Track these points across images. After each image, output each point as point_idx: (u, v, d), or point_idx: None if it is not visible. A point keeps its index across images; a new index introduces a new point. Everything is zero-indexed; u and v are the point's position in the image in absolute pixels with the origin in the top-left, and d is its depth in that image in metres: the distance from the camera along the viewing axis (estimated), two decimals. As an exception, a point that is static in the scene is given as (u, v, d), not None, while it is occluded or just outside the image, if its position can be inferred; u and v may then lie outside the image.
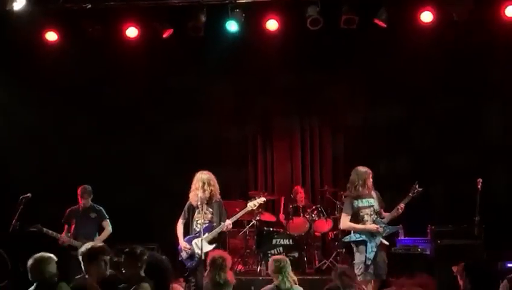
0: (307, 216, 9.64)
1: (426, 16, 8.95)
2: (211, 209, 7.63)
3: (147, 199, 10.03)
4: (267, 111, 10.92)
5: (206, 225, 7.55)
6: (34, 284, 5.20)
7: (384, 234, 7.31)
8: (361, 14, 8.89)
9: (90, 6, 8.84)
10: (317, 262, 9.59)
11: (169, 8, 9.09)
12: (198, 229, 7.55)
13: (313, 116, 10.95)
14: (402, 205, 7.31)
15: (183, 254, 7.61)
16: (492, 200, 8.79)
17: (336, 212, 9.71)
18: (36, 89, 10.07)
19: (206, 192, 7.58)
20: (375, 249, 7.22)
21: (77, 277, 5.38)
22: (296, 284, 6.23)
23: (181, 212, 7.80)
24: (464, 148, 9.73)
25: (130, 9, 9.16)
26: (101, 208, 8.47)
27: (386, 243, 7.37)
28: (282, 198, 10.36)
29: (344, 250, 9.18)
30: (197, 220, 7.62)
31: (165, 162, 10.25)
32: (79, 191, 8.37)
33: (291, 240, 9.31)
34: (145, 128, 10.53)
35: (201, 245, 7.36)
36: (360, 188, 7.30)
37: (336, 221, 9.46)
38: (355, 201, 7.34)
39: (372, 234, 7.27)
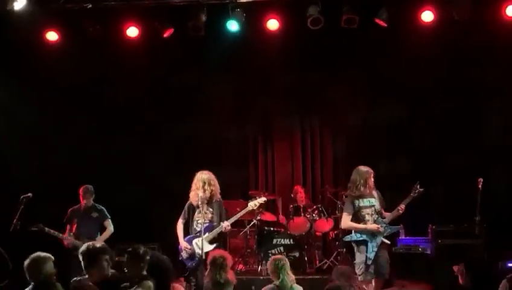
0: (308, 216, 9.64)
1: (427, 16, 8.95)
2: (211, 209, 7.62)
3: (148, 199, 10.02)
4: (267, 111, 10.92)
5: (207, 224, 7.54)
6: (31, 284, 5.19)
7: (385, 234, 7.30)
8: (361, 14, 8.89)
9: (90, 6, 8.84)
10: (317, 262, 9.59)
11: (169, 7, 9.09)
12: (198, 229, 7.55)
13: (313, 116, 10.96)
14: (403, 206, 7.30)
15: (184, 254, 7.60)
16: (493, 199, 8.79)
17: (337, 211, 9.71)
18: (37, 89, 10.06)
19: (207, 192, 7.58)
20: (375, 249, 7.21)
21: (75, 278, 5.34)
22: (294, 283, 6.25)
23: (181, 212, 7.80)
24: (464, 148, 9.73)
25: (130, 9, 9.16)
26: (102, 207, 8.47)
27: (388, 242, 7.36)
28: (279, 199, 10.38)
29: (345, 250, 9.18)
30: (197, 220, 7.62)
31: (165, 162, 10.24)
32: (81, 190, 8.38)
33: (291, 240, 9.30)
34: (145, 128, 10.53)
35: (202, 245, 7.36)
36: (362, 188, 7.29)
37: (337, 221, 9.47)
38: (357, 201, 7.33)
39: (373, 234, 7.27)
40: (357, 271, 7.22)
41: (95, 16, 9.05)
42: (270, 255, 8.70)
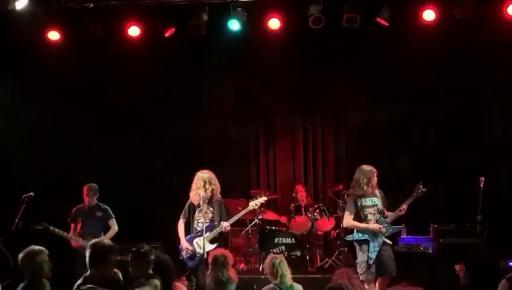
0: (309, 215, 9.65)
1: (428, 15, 8.93)
2: (211, 209, 7.63)
3: (148, 198, 10.02)
4: (269, 110, 10.93)
5: (208, 224, 7.54)
6: (26, 278, 5.18)
7: (387, 234, 7.30)
8: (363, 13, 8.87)
9: (92, 5, 8.84)
10: (319, 261, 9.61)
11: (171, 7, 9.09)
12: (199, 229, 7.57)
13: (314, 116, 10.97)
14: (405, 206, 7.28)
15: (184, 254, 7.61)
16: (494, 198, 8.78)
17: (338, 211, 9.72)
18: (38, 89, 10.06)
19: (208, 191, 7.58)
20: (377, 249, 7.20)
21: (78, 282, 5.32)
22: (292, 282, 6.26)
23: (182, 211, 7.81)
24: (466, 147, 9.73)
25: (132, 8, 9.16)
26: (106, 207, 8.47)
27: (390, 242, 7.36)
28: (278, 198, 10.38)
29: (346, 249, 9.19)
30: (198, 219, 7.64)
31: (166, 162, 10.24)
32: (85, 189, 8.38)
33: (293, 239, 9.32)
34: (146, 128, 10.53)
35: (203, 244, 7.36)
36: (365, 187, 7.27)
37: (338, 220, 9.48)
38: (359, 200, 7.33)
39: (374, 234, 7.26)
40: (358, 270, 7.23)
41: (96, 15, 9.04)
42: (271, 254, 8.70)
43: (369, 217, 7.30)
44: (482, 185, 8.20)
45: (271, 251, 9.08)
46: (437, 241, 8.66)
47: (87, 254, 5.17)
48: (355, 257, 7.57)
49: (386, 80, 10.16)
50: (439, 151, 9.96)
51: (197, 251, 7.52)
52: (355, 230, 7.39)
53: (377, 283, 7.27)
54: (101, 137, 10.24)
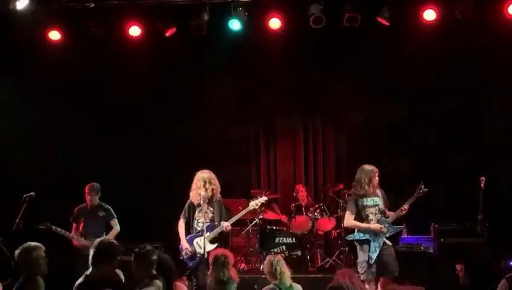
0: (310, 215, 9.65)
1: (429, 15, 8.93)
2: (211, 209, 7.63)
3: (148, 198, 10.02)
4: (269, 110, 10.92)
5: (208, 223, 7.53)
6: (22, 276, 5.17)
7: (388, 234, 7.30)
8: (364, 13, 8.87)
9: (93, 5, 8.84)
10: (319, 260, 9.62)
11: (172, 6, 9.09)
12: (199, 228, 7.57)
13: (315, 115, 10.97)
14: (406, 206, 7.28)
15: (184, 254, 7.62)
16: (495, 198, 8.79)
17: (339, 210, 9.72)
18: (38, 88, 10.06)
19: (208, 190, 7.58)
20: (378, 249, 7.20)
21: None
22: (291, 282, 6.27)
23: (182, 211, 7.82)
24: (466, 146, 9.74)
25: (132, 8, 9.17)
26: (109, 207, 8.46)
27: (389, 243, 7.35)
28: (278, 198, 10.38)
29: (347, 248, 9.19)
30: (198, 219, 7.63)
31: (167, 162, 10.24)
32: (86, 188, 8.36)
33: (294, 239, 9.31)
34: (147, 128, 10.53)
35: (204, 244, 7.36)
36: (366, 187, 7.26)
37: (339, 219, 9.49)
38: (361, 199, 7.32)
39: (375, 234, 7.25)
40: (359, 270, 7.23)
41: (97, 15, 9.05)
42: (272, 254, 8.70)
43: (371, 217, 7.29)
44: (482, 185, 8.21)
45: (272, 250, 9.09)
46: (438, 241, 8.66)
47: (92, 251, 5.13)
48: (355, 257, 7.56)
49: (386, 80, 10.16)
50: (439, 151, 9.96)
51: (197, 251, 7.51)
52: (356, 230, 7.39)
53: (379, 283, 7.27)
54: (101, 137, 10.23)
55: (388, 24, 8.92)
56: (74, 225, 8.37)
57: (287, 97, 10.75)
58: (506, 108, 9.90)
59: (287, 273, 6.28)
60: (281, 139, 11.03)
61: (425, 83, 9.94)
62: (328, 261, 9.48)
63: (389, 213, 7.39)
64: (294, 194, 10.03)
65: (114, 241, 5.54)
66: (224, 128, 10.68)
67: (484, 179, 8.23)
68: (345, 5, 8.87)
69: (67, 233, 8.20)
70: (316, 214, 9.66)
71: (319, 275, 8.87)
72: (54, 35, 9.42)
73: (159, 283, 5.14)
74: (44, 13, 9.03)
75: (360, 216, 7.32)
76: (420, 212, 7.88)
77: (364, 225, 7.28)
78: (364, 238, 7.28)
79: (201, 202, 7.54)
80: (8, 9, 8.52)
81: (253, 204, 7.98)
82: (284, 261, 6.33)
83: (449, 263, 8.03)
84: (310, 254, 9.45)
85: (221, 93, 10.41)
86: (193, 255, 7.55)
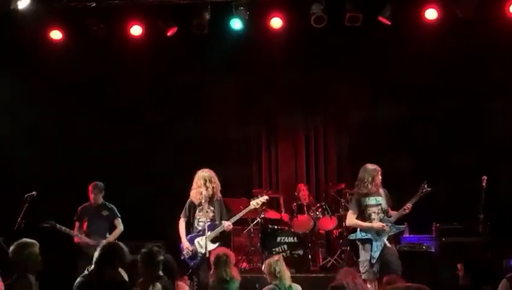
0: (311, 214, 9.65)
1: (430, 14, 8.93)
2: (212, 208, 7.62)
3: (149, 198, 10.00)
4: (271, 109, 10.92)
5: (209, 223, 7.52)
6: (16, 273, 5.16)
7: (390, 233, 7.30)
8: (365, 12, 8.88)
9: (94, 4, 8.84)
10: (321, 260, 9.62)
11: (173, 6, 9.10)
12: (200, 228, 7.56)
13: (317, 115, 10.97)
14: (409, 205, 7.28)
15: (185, 253, 7.61)
16: (497, 197, 8.78)
17: (341, 209, 9.72)
18: (40, 88, 10.06)
19: (209, 189, 7.58)
20: (380, 248, 7.20)
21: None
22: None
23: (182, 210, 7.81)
24: (468, 146, 9.72)
25: (134, 7, 9.17)
26: (112, 206, 8.47)
27: (389, 245, 7.34)
28: (281, 198, 10.38)
29: (349, 248, 9.19)
30: (199, 218, 7.63)
31: (168, 161, 10.21)
32: (90, 187, 8.38)
33: (295, 238, 9.31)
34: (148, 127, 10.51)
35: (205, 244, 7.36)
36: (369, 186, 7.26)
37: (340, 219, 9.49)
38: (363, 199, 7.31)
39: (378, 233, 7.25)
40: (361, 269, 7.24)
41: (98, 14, 9.06)
42: (274, 253, 8.70)
43: (373, 216, 7.29)
44: (484, 184, 8.20)
45: (273, 250, 9.09)
46: (439, 240, 8.65)
47: (98, 252, 5.13)
48: (357, 256, 7.57)
49: (388, 79, 10.15)
50: (441, 150, 9.95)
51: (198, 250, 7.51)
52: (358, 229, 7.38)
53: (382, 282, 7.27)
54: (101, 137, 10.22)
55: (389, 23, 8.91)
56: (77, 224, 8.37)
57: (289, 96, 10.74)
58: (508, 107, 9.88)
59: (287, 273, 6.28)
60: (283, 138, 11.03)
61: (427, 82, 9.93)
62: (330, 261, 9.47)
63: (392, 212, 7.38)
64: (295, 193, 10.03)
65: (123, 245, 5.51)
66: (226, 127, 10.68)
67: (486, 178, 8.22)
68: (346, 5, 8.87)
69: (71, 231, 8.20)
70: (317, 213, 9.66)
71: (320, 275, 8.88)
72: (55, 34, 9.42)
73: (158, 285, 5.13)
74: (45, 13, 9.04)
75: (363, 215, 7.32)
76: (422, 211, 7.87)
77: (366, 223, 7.28)
78: (366, 237, 7.28)
79: (203, 201, 7.54)
80: (9, 8, 8.51)
81: (254, 203, 7.98)
82: (283, 262, 6.33)
83: (451, 262, 7.99)
84: (311, 253, 9.45)
85: (222, 93, 10.40)
86: (194, 254, 7.54)
